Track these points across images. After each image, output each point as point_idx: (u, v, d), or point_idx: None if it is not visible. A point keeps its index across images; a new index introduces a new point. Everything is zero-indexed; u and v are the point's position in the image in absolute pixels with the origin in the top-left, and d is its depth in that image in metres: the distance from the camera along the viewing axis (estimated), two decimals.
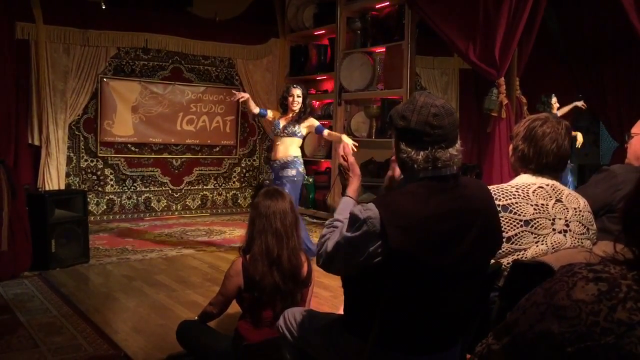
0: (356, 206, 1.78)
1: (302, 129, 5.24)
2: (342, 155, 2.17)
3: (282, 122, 5.27)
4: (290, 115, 5.24)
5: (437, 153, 1.74)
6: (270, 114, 5.41)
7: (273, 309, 2.70)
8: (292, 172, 5.17)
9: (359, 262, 1.74)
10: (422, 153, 1.75)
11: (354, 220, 1.73)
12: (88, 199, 6.25)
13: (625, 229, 0.99)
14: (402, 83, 6.28)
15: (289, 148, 5.23)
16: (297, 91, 5.22)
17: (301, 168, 5.25)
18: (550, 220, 2.09)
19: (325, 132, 5.42)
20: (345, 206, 2.03)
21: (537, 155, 2.16)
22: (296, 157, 5.24)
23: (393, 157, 2.02)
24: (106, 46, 7.02)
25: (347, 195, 2.09)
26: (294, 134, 5.21)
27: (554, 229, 2.09)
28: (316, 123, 5.34)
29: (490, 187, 2.14)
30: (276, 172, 5.26)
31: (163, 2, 7.45)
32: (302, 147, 7.90)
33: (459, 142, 1.81)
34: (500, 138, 4.77)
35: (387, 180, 2.18)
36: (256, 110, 5.42)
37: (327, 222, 1.99)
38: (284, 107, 5.33)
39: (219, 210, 8.10)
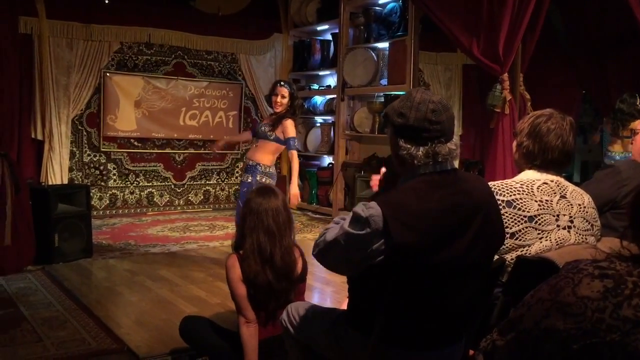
0: (358, 205, 1.78)
1: (276, 133, 4.47)
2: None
3: (264, 122, 4.71)
4: (272, 117, 4.61)
5: (437, 148, 1.76)
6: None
7: (266, 309, 2.68)
8: (249, 179, 4.45)
9: (357, 260, 1.73)
10: (421, 149, 1.76)
11: (357, 219, 1.73)
12: (91, 194, 6.25)
13: (632, 224, 0.99)
14: (405, 78, 6.27)
15: (258, 151, 4.53)
16: (283, 90, 4.53)
17: (259, 177, 4.41)
18: (554, 216, 2.09)
19: (294, 153, 4.49)
20: None
21: (542, 151, 2.15)
22: (260, 164, 4.46)
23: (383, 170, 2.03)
24: (109, 41, 7.00)
25: None
26: (265, 137, 4.49)
27: (558, 225, 2.09)
28: (291, 133, 4.45)
29: (494, 183, 2.14)
30: (244, 178, 4.56)
31: None
32: (304, 143, 8.00)
33: (456, 136, 1.82)
34: (503, 134, 4.76)
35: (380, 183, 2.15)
36: (248, 136, 5.23)
37: (335, 218, 1.98)
38: (269, 105, 4.72)
39: (222, 206, 8.10)
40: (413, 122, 1.76)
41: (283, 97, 4.52)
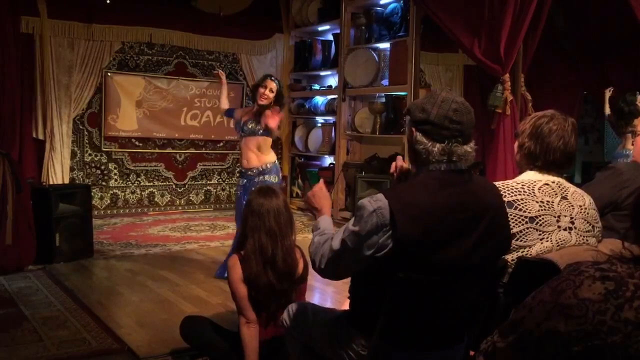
0: (365, 198, 1.79)
1: (262, 126, 4.41)
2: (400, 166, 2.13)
3: (243, 119, 4.51)
4: (254, 109, 4.50)
5: (453, 147, 1.77)
6: (238, 114, 4.65)
7: (267, 309, 2.68)
8: (272, 178, 4.41)
9: (367, 257, 1.72)
10: (438, 146, 1.77)
11: (363, 212, 1.72)
12: (92, 194, 6.25)
13: (634, 225, 0.99)
14: (406, 79, 6.27)
15: (264, 152, 4.47)
16: (273, 84, 4.44)
17: (280, 174, 4.53)
18: (555, 217, 2.09)
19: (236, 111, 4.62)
20: (327, 223, 2.03)
21: (543, 152, 2.15)
22: (274, 162, 4.53)
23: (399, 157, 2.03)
24: (110, 41, 7.02)
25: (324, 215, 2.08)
26: (253, 133, 4.43)
27: (559, 226, 2.08)
28: (273, 123, 4.35)
29: (495, 184, 2.14)
30: (250, 179, 4.44)
31: None
32: (306, 143, 8.01)
33: (472, 141, 1.83)
34: (504, 135, 4.76)
35: (398, 171, 2.17)
36: (225, 105, 4.75)
37: (314, 233, 1.97)
38: (253, 97, 4.60)
39: (223, 205, 8.10)
40: (434, 118, 1.77)
41: (271, 91, 4.43)
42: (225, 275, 4.35)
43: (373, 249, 1.71)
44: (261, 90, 4.44)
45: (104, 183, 7.27)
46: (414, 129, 1.83)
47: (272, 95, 4.43)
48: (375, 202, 1.71)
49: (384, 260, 1.72)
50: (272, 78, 4.56)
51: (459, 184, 1.78)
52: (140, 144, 7.50)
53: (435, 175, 1.78)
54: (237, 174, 4.57)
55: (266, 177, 4.42)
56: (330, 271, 1.86)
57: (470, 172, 1.84)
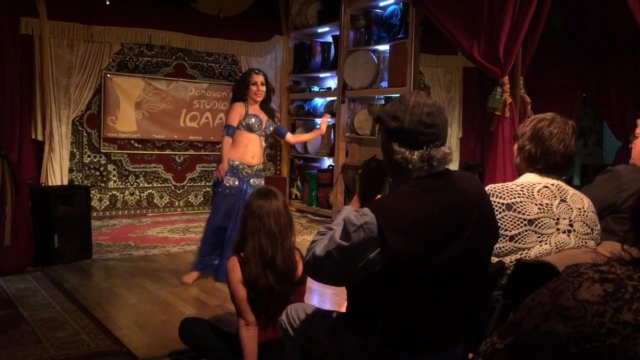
0: (351, 212, 1.75)
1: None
2: None
3: (261, 116, 4.39)
4: (256, 106, 4.40)
5: (432, 152, 1.74)
6: (242, 110, 4.38)
7: (266, 312, 2.68)
8: (262, 182, 4.38)
9: (355, 270, 1.70)
10: (416, 152, 1.74)
11: (350, 227, 1.68)
12: (91, 195, 6.25)
13: (633, 227, 0.99)
14: (405, 81, 6.28)
15: (262, 151, 4.46)
16: (261, 77, 4.35)
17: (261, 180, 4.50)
18: (554, 220, 2.09)
19: (290, 134, 4.79)
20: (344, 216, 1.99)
21: (544, 155, 2.16)
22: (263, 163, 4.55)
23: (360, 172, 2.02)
24: (110, 42, 7.02)
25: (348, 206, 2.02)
26: (267, 133, 4.47)
27: (558, 229, 2.09)
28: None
29: (494, 186, 2.15)
30: (244, 179, 4.37)
31: None
32: (305, 145, 8.01)
33: (449, 140, 1.82)
34: (503, 137, 4.75)
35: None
36: (307, 136, 5.07)
37: (321, 229, 1.95)
38: (241, 96, 4.39)
39: None
40: (408, 125, 1.73)
41: (263, 84, 4.36)
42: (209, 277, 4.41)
43: (362, 262, 1.68)
44: (254, 88, 4.34)
45: (102, 184, 7.27)
46: (388, 139, 1.78)
47: (264, 88, 4.38)
48: (361, 217, 1.67)
49: (377, 272, 1.69)
50: (257, 71, 4.48)
51: (443, 188, 1.75)
52: (140, 146, 7.49)
53: (417, 183, 1.74)
54: (227, 173, 4.33)
55: (257, 180, 4.41)
56: (313, 277, 1.85)
57: (449, 171, 1.81)
